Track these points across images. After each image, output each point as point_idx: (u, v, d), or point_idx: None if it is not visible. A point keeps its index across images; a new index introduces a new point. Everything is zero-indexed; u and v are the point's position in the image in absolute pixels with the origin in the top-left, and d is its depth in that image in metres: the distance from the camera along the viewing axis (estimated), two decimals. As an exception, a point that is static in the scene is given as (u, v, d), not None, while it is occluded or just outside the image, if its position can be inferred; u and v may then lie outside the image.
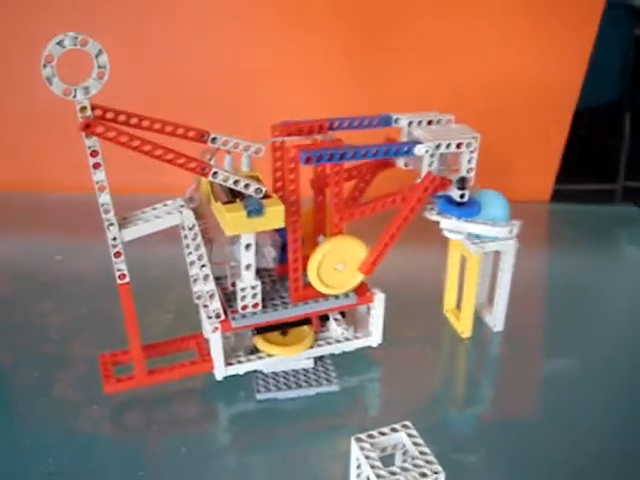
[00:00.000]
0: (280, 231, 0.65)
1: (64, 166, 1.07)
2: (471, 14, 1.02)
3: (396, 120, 0.69)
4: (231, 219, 0.60)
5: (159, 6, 1.03)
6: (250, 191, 0.61)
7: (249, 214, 0.60)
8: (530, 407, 0.70)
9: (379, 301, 0.71)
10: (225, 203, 0.61)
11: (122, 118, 0.57)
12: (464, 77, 1.05)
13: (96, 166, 0.57)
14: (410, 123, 0.69)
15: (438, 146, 0.65)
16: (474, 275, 0.73)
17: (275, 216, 0.61)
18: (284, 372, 0.70)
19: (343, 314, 0.74)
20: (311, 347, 0.70)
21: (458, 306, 0.78)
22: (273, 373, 0.70)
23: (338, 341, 0.71)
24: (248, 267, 0.64)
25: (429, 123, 0.69)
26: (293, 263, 0.66)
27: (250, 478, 0.61)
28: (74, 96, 0.54)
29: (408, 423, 0.56)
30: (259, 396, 0.68)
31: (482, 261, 0.76)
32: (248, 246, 0.63)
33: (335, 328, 0.72)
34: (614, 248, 1.01)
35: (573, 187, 1.17)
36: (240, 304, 0.66)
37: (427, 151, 0.65)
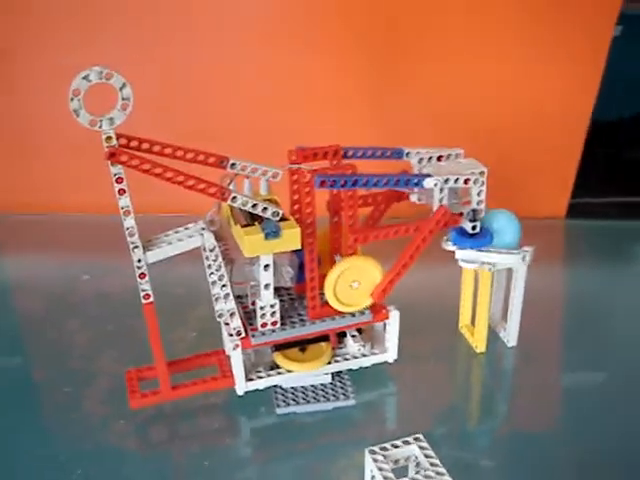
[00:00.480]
0: (297, 251, 0.68)
1: (94, 189, 1.11)
2: (484, 36, 1.04)
3: (407, 154, 0.71)
4: (249, 242, 0.63)
5: (177, 35, 1.07)
6: (268, 214, 0.64)
7: (267, 237, 0.63)
8: (544, 421, 0.72)
9: (394, 318, 0.73)
10: (244, 226, 0.64)
11: (145, 146, 0.60)
12: (478, 94, 1.06)
13: (121, 192, 0.60)
14: (420, 160, 0.71)
15: (447, 180, 0.68)
16: (486, 291, 0.75)
17: (292, 238, 0.64)
18: (303, 387, 0.72)
19: (360, 331, 0.76)
20: (329, 363, 0.72)
21: (473, 322, 0.80)
22: (292, 388, 0.72)
23: (355, 357, 0.74)
24: (267, 286, 0.67)
25: (439, 158, 0.72)
26: (310, 282, 0.68)
27: (271, 489, 0.64)
28: (100, 127, 0.57)
29: (420, 436, 0.58)
30: (279, 410, 0.70)
31: (495, 277, 0.78)
32: (267, 267, 0.66)
33: (352, 344, 0.74)
34: (633, 264, 1.02)
35: (591, 200, 1.17)
36: (260, 322, 0.69)
37: (436, 184, 0.68)
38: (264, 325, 0.69)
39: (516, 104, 1.07)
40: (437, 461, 0.55)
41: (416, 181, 0.68)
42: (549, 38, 1.02)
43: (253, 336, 0.69)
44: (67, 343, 0.82)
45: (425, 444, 0.57)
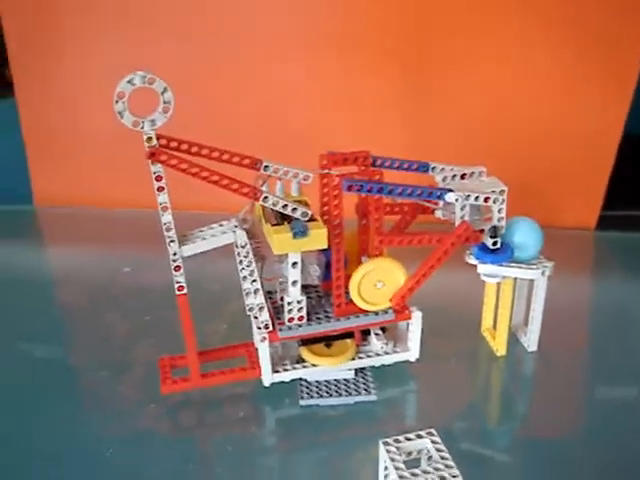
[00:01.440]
0: (325, 251, 0.71)
1: (135, 185, 1.15)
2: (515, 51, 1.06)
3: (433, 168, 0.74)
4: (278, 240, 0.66)
5: (212, 44, 1.11)
6: (297, 215, 0.67)
7: (295, 236, 0.66)
8: (560, 425, 0.73)
9: (416, 318, 0.75)
10: (274, 225, 0.67)
11: (184, 147, 0.64)
12: (512, 107, 1.09)
13: (160, 189, 0.64)
14: (444, 178, 0.73)
15: (468, 197, 0.70)
16: (508, 299, 0.78)
17: (318, 238, 0.67)
18: (326, 381, 0.75)
19: (383, 329, 0.78)
20: (352, 359, 0.75)
21: (495, 326, 0.82)
22: (316, 382, 0.75)
23: (378, 354, 0.76)
24: (294, 283, 0.70)
25: (462, 176, 0.74)
26: (336, 281, 0.72)
27: (289, 477, 0.66)
28: (142, 127, 0.61)
29: (433, 430, 0.60)
30: (302, 402, 0.73)
31: (517, 285, 0.80)
32: (295, 264, 0.69)
33: (375, 342, 0.77)
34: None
35: (622, 213, 1.18)
36: (287, 317, 0.72)
37: (457, 200, 0.70)
38: (291, 320, 0.72)
39: (550, 117, 1.09)
40: (447, 454, 0.58)
41: (439, 194, 0.70)
42: (581, 53, 1.04)
43: (280, 330, 0.72)
44: (106, 332, 0.87)
45: (437, 438, 0.60)
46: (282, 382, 0.75)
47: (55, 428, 0.72)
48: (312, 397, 0.73)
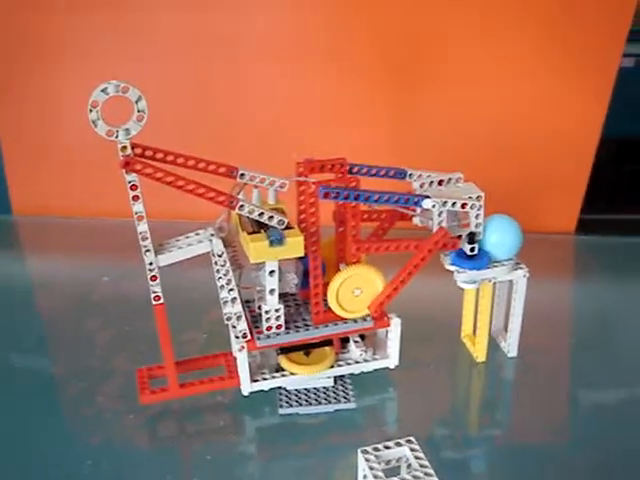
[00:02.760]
0: (302, 259, 0.71)
1: (114, 194, 1.14)
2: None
3: (410, 175, 0.74)
4: (255, 248, 0.66)
5: (190, 46, 1.11)
6: (273, 223, 0.67)
7: (271, 244, 0.66)
8: (540, 430, 0.73)
9: (395, 325, 0.75)
10: (250, 233, 0.67)
11: (160, 156, 0.64)
12: (488, 111, 1.09)
13: (135, 198, 0.64)
14: (422, 185, 0.74)
15: (445, 203, 0.70)
16: (487, 303, 0.78)
17: (295, 245, 0.67)
18: (306, 389, 0.75)
19: (362, 337, 0.78)
20: (331, 367, 0.75)
21: (475, 332, 0.82)
22: (295, 390, 0.75)
23: (357, 362, 0.76)
24: (272, 292, 0.70)
25: (440, 182, 0.74)
26: (314, 288, 0.71)
27: (269, 486, 0.66)
28: (116, 137, 0.61)
29: (412, 438, 0.60)
30: (282, 411, 0.73)
31: (497, 289, 0.80)
32: (272, 272, 0.69)
33: (354, 350, 0.77)
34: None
35: (603, 217, 1.19)
36: (265, 325, 0.72)
37: (434, 206, 0.70)
38: (269, 328, 0.72)
39: (526, 121, 1.09)
40: (427, 462, 0.58)
41: (416, 200, 0.70)
42: (559, 55, 1.04)
43: (258, 339, 0.72)
44: (85, 342, 0.86)
45: (416, 446, 0.59)
46: (261, 391, 0.74)
47: (33, 438, 0.71)
48: (291, 406, 0.73)
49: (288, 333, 0.72)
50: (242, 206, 0.66)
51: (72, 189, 1.22)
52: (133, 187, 0.63)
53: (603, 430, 0.72)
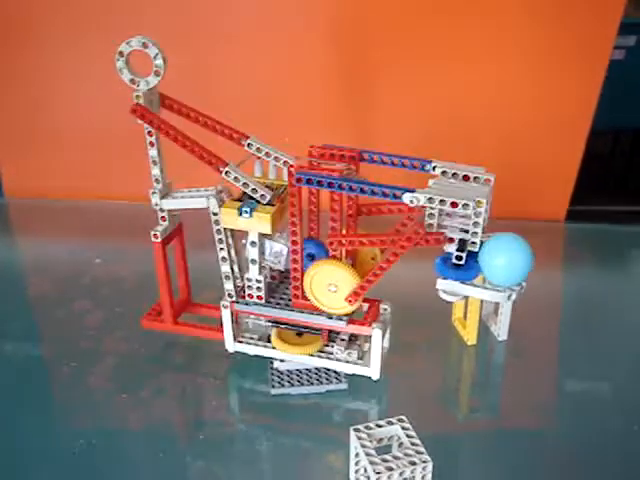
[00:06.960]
0: (312, 242, 0.73)
1: (105, 177, 1.15)
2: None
3: (434, 167, 0.68)
4: (224, 213, 0.68)
5: (198, 31, 1.11)
6: (256, 196, 0.68)
7: (240, 213, 0.68)
8: (528, 412, 0.74)
9: (376, 336, 0.71)
10: (233, 200, 0.69)
11: (175, 107, 0.70)
12: (479, 99, 1.09)
13: (151, 144, 0.69)
14: (444, 173, 0.68)
15: (431, 199, 0.63)
16: (478, 286, 0.78)
17: (261, 221, 0.68)
18: (298, 370, 0.76)
19: (355, 337, 0.75)
20: (319, 350, 0.74)
21: (465, 316, 0.83)
22: (288, 371, 0.76)
23: (338, 360, 0.74)
24: (253, 262, 0.71)
25: (465, 178, 0.67)
26: (293, 272, 0.71)
27: (261, 464, 0.67)
28: (138, 85, 0.66)
29: (403, 417, 0.61)
30: (273, 391, 0.73)
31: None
32: (253, 243, 0.70)
33: (337, 347, 0.74)
34: (631, 268, 1.04)
35: (593, 208, 1.19)
36: (247, 292, 0.73)
37: (412, 201, 0.63)
38: (250, 296, 0.73)
39: (519, 109, 1.09)
40: (418, 441, 0.59)
41: (394, 194, 0.64)
42: (550, 44, 1.05)
43: (237, 302, 0.74)
44: (77, 323, 0.86)
45: (408, 425, 0.60)
46: (256, 371, 0.75)
47: (25, 419, 0.71)
48: (283, 386, 0.74)
49: (265, 306, 0.73)
50: (228, 172, 0.67)
51: (63, 172, 1.22)
52: (150, 133, 0.69)
53: (589, 412, 0.73)
